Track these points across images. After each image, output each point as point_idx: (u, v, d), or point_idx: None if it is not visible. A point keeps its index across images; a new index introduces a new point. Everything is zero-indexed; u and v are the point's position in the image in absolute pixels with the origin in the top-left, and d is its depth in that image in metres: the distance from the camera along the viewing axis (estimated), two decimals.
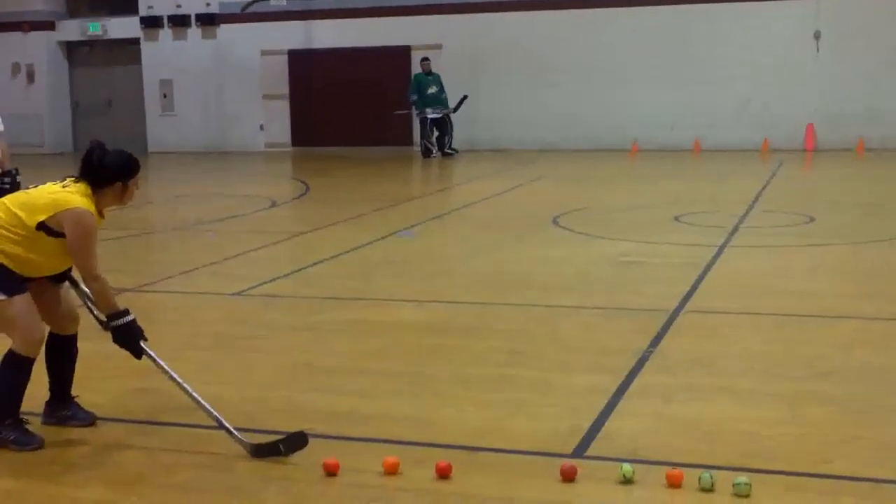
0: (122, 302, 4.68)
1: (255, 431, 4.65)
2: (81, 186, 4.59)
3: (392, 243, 10.30)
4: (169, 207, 14.28)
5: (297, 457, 4.39)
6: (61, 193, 4.55)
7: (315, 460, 4.30)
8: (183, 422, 4.84)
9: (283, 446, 4.42)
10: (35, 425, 4.79)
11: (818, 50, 19.22)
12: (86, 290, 4.71)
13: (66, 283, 4.83)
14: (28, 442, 4.61)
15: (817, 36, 19.18)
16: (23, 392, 4.62)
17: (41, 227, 4.49)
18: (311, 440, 4.43)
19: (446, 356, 6.08)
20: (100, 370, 5.49)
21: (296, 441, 4.43)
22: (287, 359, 6.12)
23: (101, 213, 4.68)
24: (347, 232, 11.02)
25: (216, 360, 6.13)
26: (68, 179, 4.65)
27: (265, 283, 8.36)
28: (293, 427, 4.60)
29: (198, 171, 19.68)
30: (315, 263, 9.24)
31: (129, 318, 4.60)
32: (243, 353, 6.28)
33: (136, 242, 10.73)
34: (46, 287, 4.73)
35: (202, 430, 4.68)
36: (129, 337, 4.61)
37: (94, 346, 5.03)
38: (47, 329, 4.74)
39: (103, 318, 4.65)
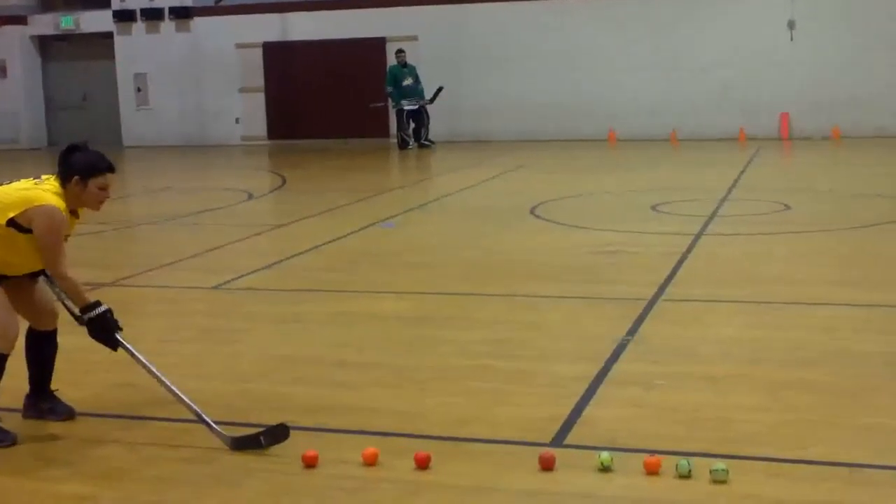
0: (101, 296, 4.66)
1: (237, 424, 4.64)
2: (54, 184, 4.57)
3: (373, 234, 10.29)
4: (147, 201, 14.21)
5: (279, 449, 4.39)
6: (33, 191, 4.52)
7: (297, 452, 4.30)
8: (164, 416, 4.83)
9: (263, 439, 4.42)
10: (15, 419, 4.77)
11: (792, 39, 19.30)
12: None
13: (43, 279, 4.80)
14: (1, 439, 4.58)
15: (791, 26, 19.26)
16: None
17: (10, 223, 4.46)
18: (292, 432, 4.43)
19: (428, 347, 6.09)
20: (80, 364, 5.46)
21: (277, 433, 4.43)
22: (269, 351, 6.11)
23: (74, 213, 4.65)
24: (327, 223, 11.00)
25: (198, 352, 6.12)
26: (44, 176, 4.63)
27: (246, 275, 8.33)
28: (275, 419, 4.59)
29: (174, 164, 19.57)
30: (295, 255, 9.22)
31: (102, 308, 4.58)
32: (225, 345, 6.27)
33: (115, 236, 10.67)
34: (23, 283, 4.71)
35: (183, 424, 4.67)
36: (103, 328, 4.59)
37: (74, 340, 5.00)
38: (25, 324, 4.72)
39: (77, 312, 4.63)
